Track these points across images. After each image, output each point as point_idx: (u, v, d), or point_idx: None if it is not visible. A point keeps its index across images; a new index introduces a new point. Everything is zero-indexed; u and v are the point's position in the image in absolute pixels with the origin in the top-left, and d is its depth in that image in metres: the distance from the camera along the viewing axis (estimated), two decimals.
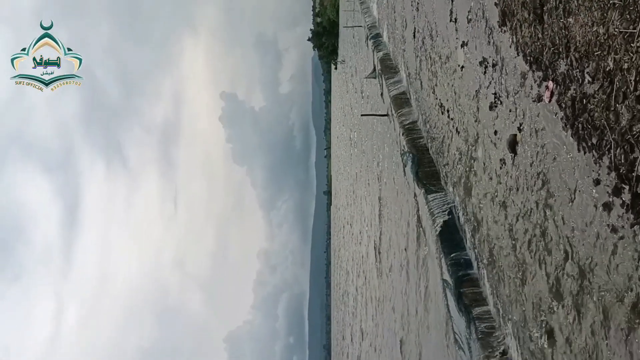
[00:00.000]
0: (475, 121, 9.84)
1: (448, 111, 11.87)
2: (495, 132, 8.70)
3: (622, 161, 5.04)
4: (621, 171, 5.09)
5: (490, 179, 9.08)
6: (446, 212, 12.30)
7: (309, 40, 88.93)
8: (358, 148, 38.54)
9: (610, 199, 5.33)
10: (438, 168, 13.25)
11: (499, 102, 8.47)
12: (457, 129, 11.16)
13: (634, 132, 4.83)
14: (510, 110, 7.99)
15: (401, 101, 17.13)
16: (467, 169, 10.52)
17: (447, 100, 11.89)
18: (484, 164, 9.41)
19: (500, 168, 8.51)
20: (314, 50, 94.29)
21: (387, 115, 20.56)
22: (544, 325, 6.92)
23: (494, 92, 8.68)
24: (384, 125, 22.59)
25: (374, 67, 23.71)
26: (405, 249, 17.93)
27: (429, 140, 14.31)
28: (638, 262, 4.93)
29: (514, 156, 7.86)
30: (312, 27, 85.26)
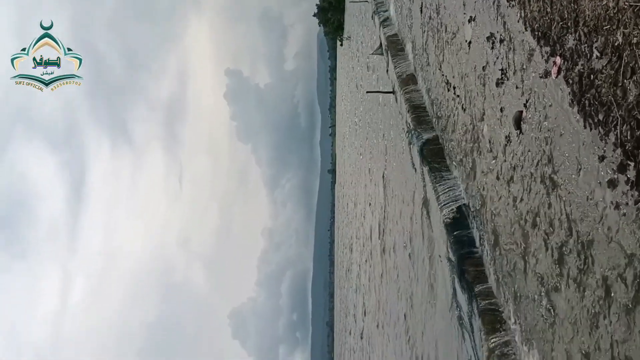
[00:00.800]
0: (482, 98, 9.77)
1: (454, 88, 11.77)
2: (502, 109, 8.63)
3: (628, 138, 5.01)
4: (627, 148, 5.05)
5: (495, 156, 9.04)
6: (450, 189, 12.30)
7: (314, 15, 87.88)
8: (363, 125, 38.40)
9: (615, 176, 5.30)
10: (443, 145, 13.20)
11: (506, 78, 8.39)
12: (462, 106, 11.09)
13: None
14: (516, 87, 7.92)
15: (407, 78, 17.00)
16: (473, 146, 10.47)
17: (454, 76, 11.79)
18: (490, 141, 9.37)
19: (506, 145, 8.47)
20: (319, 26, 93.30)
21: (392, 92, 20.42)
22: (546, 301, 6.96)
23: (500, 68, 8.59)
24: (389, 102, 22.47)
25: (380, 44, 23.49)
26: (409, 227, 17.99)
27: (434, 118, 14.23)
28: None
29: (520, 133, 7.81)
30: (318, 3, 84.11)
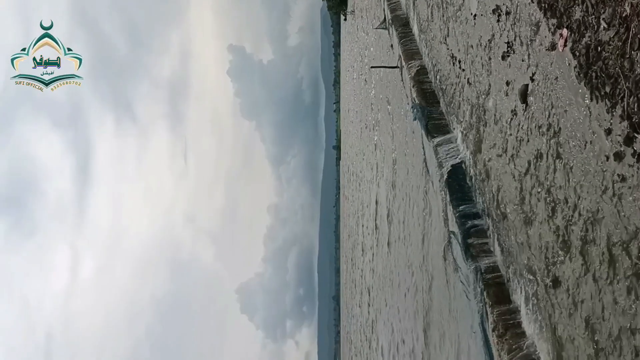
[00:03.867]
0: (487, 72, 9.70)
1: (459, 62, 11.68)
2: (507, 83, 8.58)
3: (635, 110, 4.99)
4: (634, 120, 5.04)
5: (501, 130, 9.02)
6: (455, 164, 12.30)
7: None
8: (368, 99, 38.18)
9: (622, 148, 5.30)
10: (448, 120, 13.15)
11: (512, 52, 8.31)
12: (468, 80, 11.01)
13: None
14: (522, 60, 7.85)
15: (412, 52, 16.84)
16: (478, 120, 10.44)
17: (459, 50, 11.68)
18: (495, 115, 9.33)
19: (511, 119, 8.44)
20: (322, 0, 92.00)
21: (397, 67, 20.26)
22: (550, 273, 7.03)
23: (506, 41, 8.51)
24: (394, 77, 22.31)
25: (385, 17, 23.20)
26: (415, 201, 18.05)
27: (439, 92, 14.14)
28: None
29: (526, 106, 7.78)
30: None
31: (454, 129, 12.57)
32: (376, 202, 30.99)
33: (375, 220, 31.18)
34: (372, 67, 29.00)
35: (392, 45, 21.34)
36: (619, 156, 5.36)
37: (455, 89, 12.30)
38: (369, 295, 34.61)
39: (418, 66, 16.01)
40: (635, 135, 5.07)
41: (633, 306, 5.11)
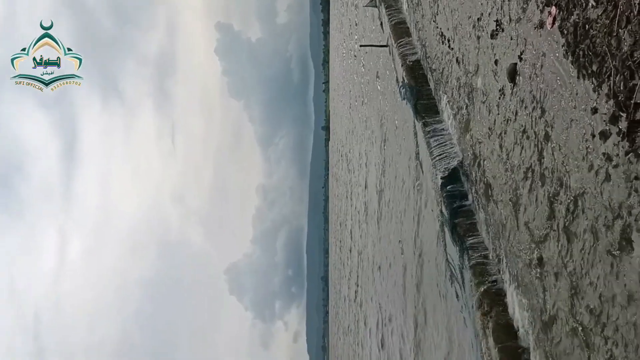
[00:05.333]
0: (476, 50, 9.66)
1: (449, 41, 11.61)
2: (496, 62, 8.55)
3: (621, 88, 4.99)
4: (619, 99, 5.05)
5: (489, 110, 9.02)
6: (443, 145, 12.32)
7: None
8: (357, 78, 37.99)
9: (607, 127, 5.32)
10: (437, 100, 13.13)
11: (501, 30, 8.27)
12: (457, 59, 10.97)
13: (635, 58, 4.75)
14: (511, 38, 7.82)
15: (401, 31, 16.72)
16: (466, 100, 10.42)
17: (448, 29, 11.61)
18: (483, 95, 9.32)
19: (499, 98, 8.43)
20: None
21: (386, 45, 20.13)
22: (535, 252, 7.10)
23: (495, 19, 8.46)
24: (384, 56, 22.19)
25: None
26: (403, 180, 18.11)
27: (428, 72, 14.09)
28: (630, 191, 4.99)
29: (513, 86, 7.77)
30: None
31: (442, 108, 12.56)
32: (366, 181, 31.07)
33: (365, 198, 31.30)
34: (361, 45, 28.80)
35: (381, 24, 21.18)
36: (604, 135, 5.38)
37: (444, 68, 12.26)
38: (358, 275, 34.90)
39: (407, 45, 15.92)
40: (621, 114, 5.07)
41: (614, 283, 5.18)
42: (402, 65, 15.76)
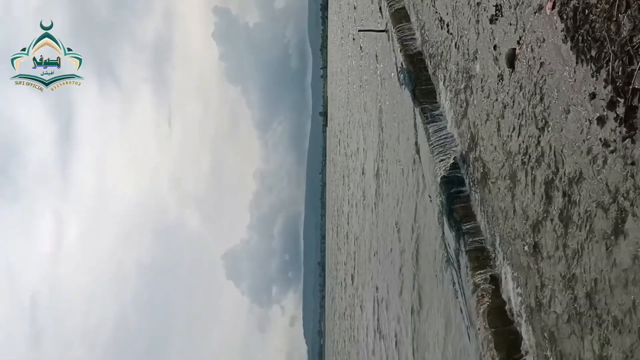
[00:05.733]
0: (475, 35, 9.61)
1: (448, 25, 11.55)
2: (495, 47, 8.53)
3: (620, 74, 5.00)
4: (618, 84, 5.05)
5: (487, 95, 9.01)
6: (441, 130, 12.32)
7: None
8: (356, 62, 37.81)
9: (605, 113, 5.33)
10: (435, 85, 13.09)
11: (500, 15, 8.23)
12: (456, 44, 10.92)
13: (634, 43, 4.75)
14: (510, 23, 7.79)
15: (400, 16, 16.61)
16: (465, 85, 10.40)
17: (447, 14, 11.54)
18: (482, 80, 9.30)
19: (498, 84, 8.42)
20: None
21: (385, 30, 20.02)
22: (530, 237, 7.14)
23: (495, 4, 8.41)
24: (383, 40, 22.07)
25: None
26: (401, 166, 18.12)
27: (427, 57, 14.03)
28: (626, 176, 5.02)
29: (512, 71, 7.75)
30: None
31: (440, 94, 12.53)
32: (363, 167, 31.08)
33: (362, 183, 31.33)
34: (359, 30, 28.63)
35: (380, 8, 21.04)
36: (601, 120, 5.39)
37: (442, 54, 12.21)
38: (354, 260, 35.04)
39: (406, 30, 15.83)
40: (619, 99, 5.08)
41: (609, 267, 5.23)
42: (400, 51, 15.69)
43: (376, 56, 24.93)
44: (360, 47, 32.72)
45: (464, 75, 10.39)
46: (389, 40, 19.10)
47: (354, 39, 37.99)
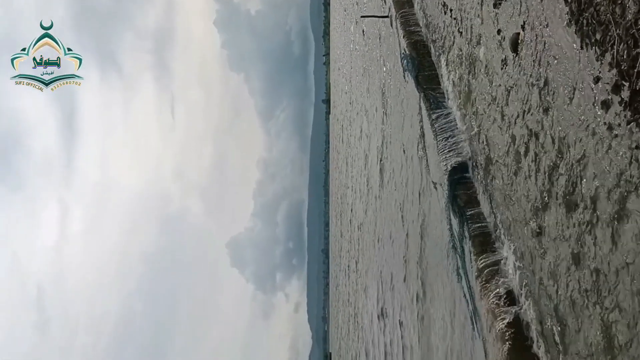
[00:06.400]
0: (479, 20, 9.56)
1: (451, 11, 11.49)
2: (499, 31, 8.48)
3: (624, 57, 4.98)
4: (622, 67, 5.04)
5: (491, 80, 8.98)
6: (445, 117, 12.29)
7: None
8: (359, 47, 37.63)
9: (609, 97, 5.32)
10: (438, 71, 13.05)
11: None
12: (459, 30, 10.87)
13: (639, 26, 4.73)
14: (514, 7, 7.74)
15: (403, 1, 16.51)
16: (468, 71, 10.37)
17: None
18: (486, 66, 9.27)
19: (502, 69, 8.39)
20: None
21: (388, 16, 19.90)
22: (535, 221, 7.17)
23: None
24: (386, 26, 21.95)
25: None
26: (405, 151, 18.12)
27: (430, 43, 13.97)
28: (630, 160, 5.03)
29: (516, 55, 7.72)
30: None
31: (444, 80, 12.49)
32: (367, 153, 31.07)
33: (366, 170, 31.35)
34: (362, 16, 28.46)
35: None
36: (606, 104, 5.38)
37: (446, 39, 12.15)
38: (358, 246, 35.18)
39: (409, 15, 15.74)
40: (623, 83, 5.07)
41: (613, 251, 5.26)
42: (403, 36, 15.62)
43: (379, 40, 24.81)
44: (363, 33, 32.55)
45: (468, 60, 10.35)
46: (391, 26, 19.00)
47: (356, 22, 37.78)
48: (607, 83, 5.30)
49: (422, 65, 13.93)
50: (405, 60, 15.78)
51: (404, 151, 18.09)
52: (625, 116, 5.08)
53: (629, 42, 4.85)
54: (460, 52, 10.85)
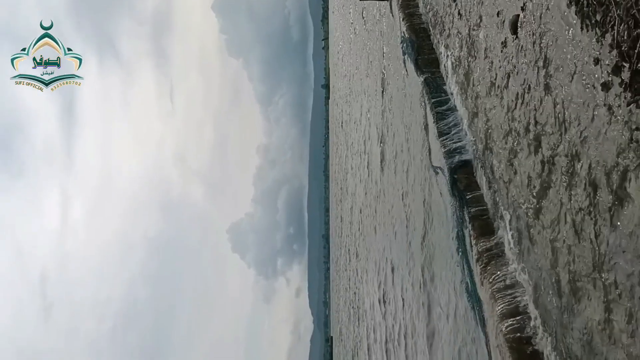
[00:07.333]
0: (479, 2, 9.48)
1: None
2: (498, 13, 8.42)
3: (625, 38, 4.94)
4: (623, 48, 5.00)
5: (491, 63, 8.93)
6: (445, 100, 12.24)
7: None
8: (358, 29, 37.34)
9: (610, 78, 5.29)
10: (438, 54, 12.97)
11: None
12: (459, 12, 10.78)
13: None
14: None
15: None
16: (468, 53, 10.30)
17: None
18: (485, 48, 9.21)
19: (501, 51, 8.34)
20: None
21: (387, 0, 19.72)
22: (534, 204, 7.17)
23: None
24: (386, 9, 21.76)
25: None
26: (407, 134, 18.07)
27: (430, 26, 13.86)
28: (630, 141, 5.01)
29: (515, 37, 7.67)
30: None
31: (443, 62, 12.42)
32: (367, 137, 31.00)
33: (366, 155, 31.30)
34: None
35: None
36: (606, 86, 5.35)
37: (445, 22, 12.06)
38: (359, 231, 35.25)
39: None
40: (624, 64, 5.04)
41: (613, 232, 5.27)
42: (403, 19, 15.50)
43: (378, 23, 24.63)
44: (363, 16, 32.30)
45: (468, 43, 10.28)
46: (391, 9, 18.84)
47: (355, 7, 37.46)
48: (608, 64, 5.27)
49: (421, 49, 13.84)
50: (404, 44, 15.68)
51: (405, 133, 18.05)
52: (625, 97, 5.06)
53: (629, 23, 4.81)
54: (460, 35, 10.77)
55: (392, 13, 18.71)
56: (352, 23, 43.16)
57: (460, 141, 11.16)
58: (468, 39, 10.25)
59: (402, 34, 15.99)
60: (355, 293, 38.20)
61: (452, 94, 11.79)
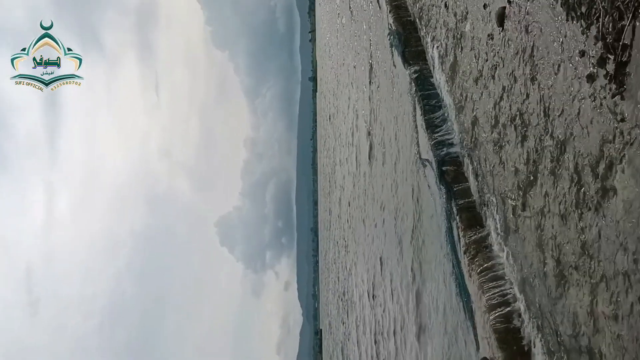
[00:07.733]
0: None
1: None
2: (485, 6, 8.44)
3: (610, 30, 4.98)
4: (608, 40, 5.04)
5: (477, 55, 8.96)
6: (432, 93, 12.28)
7: None
8: (345, 21, 37.27)
9: (595, 70, 5.33)
10: (425, 47, 12.99)
11: None
12: (445, 4, 10.79)
13: None
14: None
15: None
16: (454, 46, 10.32)
17: None
18: (472, 40, 9.24)
19: (487, 44, 8.37)
20: None
21: None
22: (520, 196, 7.23)
23: None
24: (373, 2, 21.71)
25: None
26: (396, 125, 18.10)
27: (416, 18, 13.86)
28: (615, 132, 5.06)
29: (502, 30, 7.70)
30: None
31: (430, 55, 12.44)
32: (354, 129, 31.01)
33: (354, 148, 31.33)
34: None
35: None
36: (591, 78, 5.40)
37: (432, 14, 12.06)
38: (348, 224, 35.31)
39: None
40: (609, 56, 5.08)
41: (598, 225, 5.33)
42: (390, 12, 15.48)
43: (365, 15, 24.58)
44: (350, 8, 32.22)
45: (454, 35, 10.30)
46: (378, 2, 18.80)
47: (342, 12, 37.40)
48: (593, 56, 5.31)
49: (408, 41, 13.85)
50: (391, 36, 15.68)
51: (393, 127, 18.08)
52: (610, 89, 5.10)
53: (614, 15, 4.85)
54: (447, 27, 10.79)
55: (379, 5, 18.68)
56: (339, 14, 43.05)
57: (448, 133, 11.21)
58: (454, 31, 10.27)
59: (389, 26, 15.98)
60: (344, 286, 38.33)
61: (439, 86, 11.83)
